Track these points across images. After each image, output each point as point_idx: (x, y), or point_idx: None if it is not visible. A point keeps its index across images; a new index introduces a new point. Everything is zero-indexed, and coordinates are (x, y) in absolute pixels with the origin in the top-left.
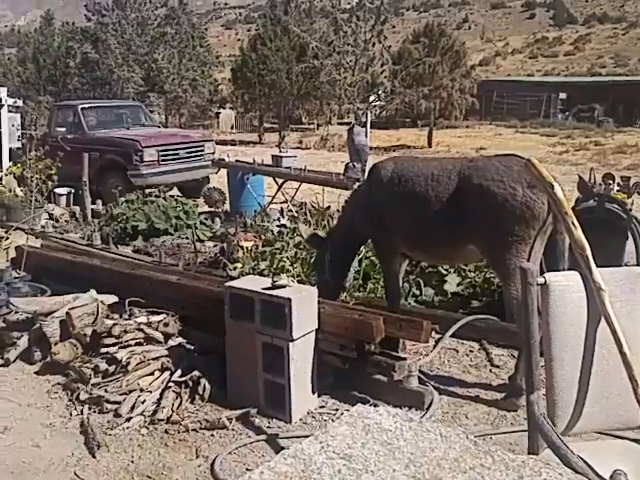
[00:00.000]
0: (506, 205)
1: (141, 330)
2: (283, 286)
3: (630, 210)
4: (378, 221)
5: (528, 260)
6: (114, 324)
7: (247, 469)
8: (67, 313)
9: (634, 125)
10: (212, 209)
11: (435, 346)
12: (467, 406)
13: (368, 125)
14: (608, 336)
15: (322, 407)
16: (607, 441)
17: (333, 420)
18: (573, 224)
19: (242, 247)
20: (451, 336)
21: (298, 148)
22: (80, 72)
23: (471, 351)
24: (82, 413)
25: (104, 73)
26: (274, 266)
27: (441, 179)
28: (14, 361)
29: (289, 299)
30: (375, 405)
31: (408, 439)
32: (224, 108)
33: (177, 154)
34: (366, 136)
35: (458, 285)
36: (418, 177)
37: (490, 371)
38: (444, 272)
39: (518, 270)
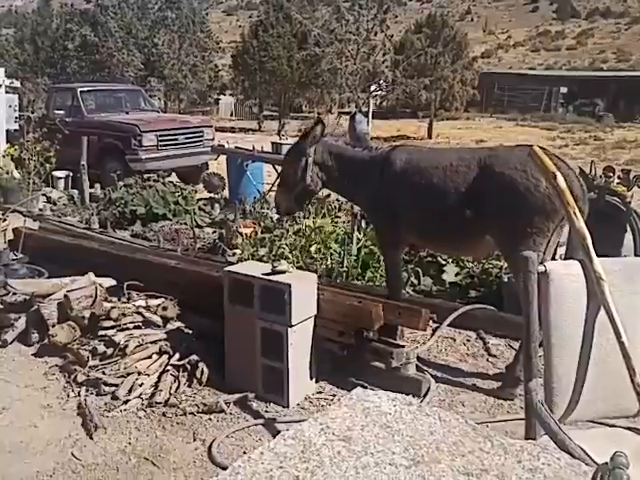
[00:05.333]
0: (528, 196)
1: (140, 313)
2: (283, 272)
3: (629, 203)
4: (387, 211)
5: (544, 253)
6: (112, 307)
7: (244, 452)
8: (65, 295)
9: (634, 120)
10: (212, 195)
11: (432, 334)
12: (464, 394)
13: (370, 114)
14: (607, 325)
15: (320, 392)
16: (601, 429)
17: (330, 405)
18: (574, 214)
19: (241, 233)
20: (449, 325)
21: (298, 136)
22: (79, 55)
23: (468, 340)
24: (79, 395)
25: (103, 57)
26: (273, 253)
27: (460, 169)
28: (11, 343)
29: (289, 285)
30: (372, 390)
31: (407, 422)
32: (224, 95)
33: (176, 139)
34: (368, 125)
35: (456, 275)
36: (436, 168)
37: (487, 360)
38: (442, 262)
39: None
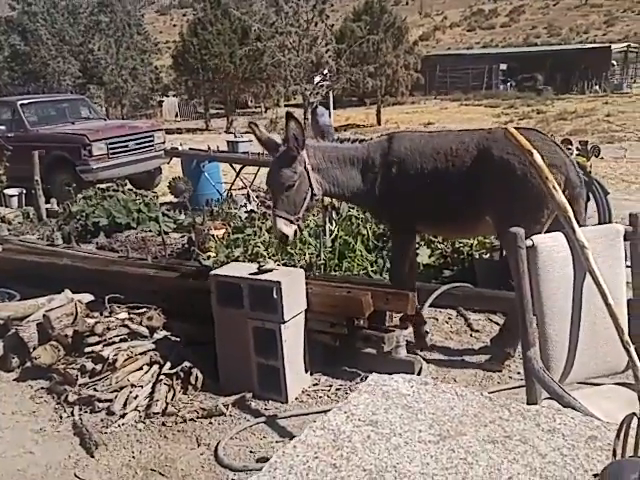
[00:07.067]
0: (525, 181)
1: (125, 326)
2: (270, 270)
3: (590, 173)
4: (395, 201)
5: None
6: (96, 322)
7: (251, 451)
8: (44, 315)
9: (571, 92)
10: (172, 199)
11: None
12: (454, 370)
13: (331, 105)
14: (593, 290)
15: (315, 385)
16: (590, 388)
17: (328, 396)
18: (554, 188)
19: (213, 236)
20: (430, 306)
21: (247, 132)
22: (10, 66)
23: (450, 318)
24: (73, 415)
25: (37, 66)
26: (249, 252)
27: (460, 152)
28: None
29: (278, 282)
30: (366, 378)
31: (427, 401)
32: (167, 96)
33: (126, 146)
34: (330, 117)
35: (429, 257)
36: (438, 153)
37: (470, 335)
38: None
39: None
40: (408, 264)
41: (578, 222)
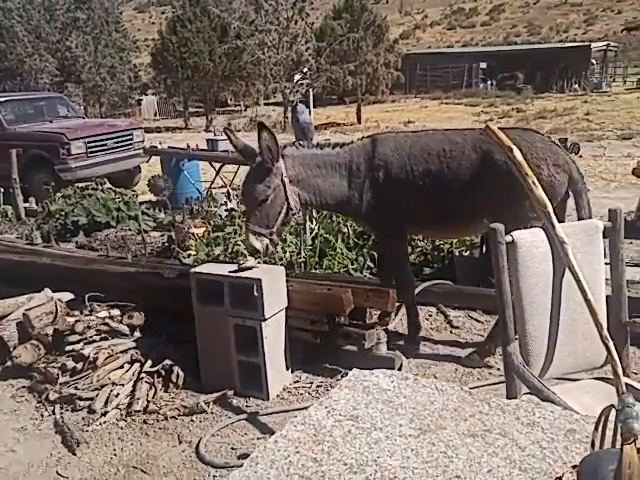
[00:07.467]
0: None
1: (105, 324)
2: (250, 268)
3: None
4: (384, 206)
5: None
6: (77, 321)
7: (232, 448)
8: (24, 314)
9: (551, 91)
10: (151, 198)
11: (397, 313)
12: (434, 366)
13: (311, 103)
14: (573, 285)
15: (296, 382)
16: (570, 383)
17: (309, 393)
18: (534, 183)
19: (194, 234)
20: None
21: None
22: None
23: (430, 315)
24: (54, 413)
25: (12, 64)
26: (229, 250)
27: (455, 154)
28: None
29: (259, 279)
30: (346, 374)
31: (407, 395)
32: (146, 94)
33: (105, 145)
34: (310, 114)
35: (410, 254)
36: (429, 154)
37: (450, 332)
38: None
39: None
40: (409, 264)
41: (582, 213)
